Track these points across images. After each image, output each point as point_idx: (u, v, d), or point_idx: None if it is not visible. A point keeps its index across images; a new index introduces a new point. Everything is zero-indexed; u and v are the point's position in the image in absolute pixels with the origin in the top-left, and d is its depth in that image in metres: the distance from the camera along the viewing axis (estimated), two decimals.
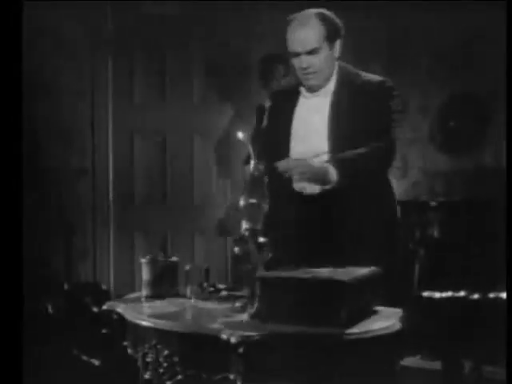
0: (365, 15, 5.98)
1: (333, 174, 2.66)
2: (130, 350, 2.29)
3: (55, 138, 5.44)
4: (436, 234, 5.33)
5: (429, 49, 6.18)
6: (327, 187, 2.70)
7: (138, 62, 5.41)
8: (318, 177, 2.68)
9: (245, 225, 2.36)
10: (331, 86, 2.85)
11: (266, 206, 2.39)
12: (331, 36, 2.80)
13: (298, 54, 2.79)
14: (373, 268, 2.28)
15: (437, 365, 4.15)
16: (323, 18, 2.80)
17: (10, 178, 2.13)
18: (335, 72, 2.86)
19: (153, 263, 2.55)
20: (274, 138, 2.89)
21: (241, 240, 2.34)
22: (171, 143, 5.44)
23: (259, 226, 2.36)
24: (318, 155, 2.77)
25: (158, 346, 2.16)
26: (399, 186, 6.12)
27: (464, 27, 5.96)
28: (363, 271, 2.23)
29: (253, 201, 2.37)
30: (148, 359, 2.19)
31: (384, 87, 2.84)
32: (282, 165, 2.62)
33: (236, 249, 2.33)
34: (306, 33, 2.77)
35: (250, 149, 2.45)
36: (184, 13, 5.44)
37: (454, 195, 6.23)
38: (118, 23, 5.32)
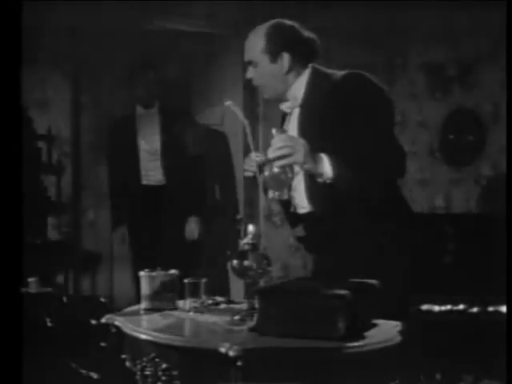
0: (365, 28, 6.01)
1: (327, 166, 2.37)
2: (128, 364, 2.29)
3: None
4: (436, 246, 5.33)
5: (428, 62, 6.20)
6: (320, 180, 2.42)
7: None
8: (310, 162, 2.35)
9: (245, 239, 2.36)
10: (299, 95, 2.63)
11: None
12: (272, 50, 2.59)
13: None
14: (372, 281, 2.28)
15: (437, 377, 4.14)
16: (270, 30, 2.61)
17: (11, 190, 2.13)
18: (304, 80, 2.63)
19: (152, 276, 2.55)
20: None
21: (240, 253, 2.34)
22: None
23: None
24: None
25: (157, 360, 2.15)
26: None
27: (462, 41, 5.99)
28: (363, 284, 2.23)
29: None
30: (147, 372, 2.19)
31: (353, 76, 2.57)
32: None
33: (234, 262, 2.33)
34: (247, 44, 2.65)
35: (250, 138, 2.41)
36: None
37: (453, 208, 6.24)
38: None
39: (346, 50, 5.83)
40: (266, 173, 2.35)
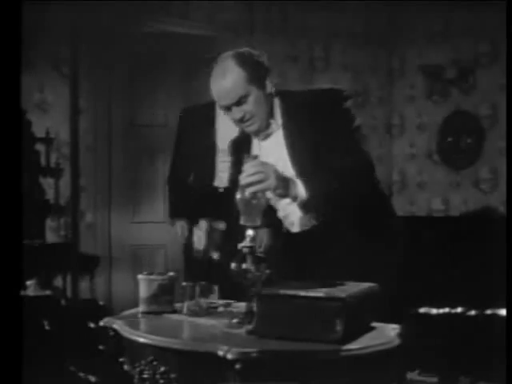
0: (364, 30, 6.02)
1: (301, 188, 2.41)
2: (126, 367, 2.29)
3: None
4: (434, 249, 5.33)
5: (426, 65, 6.21)
6: (294, 202, 2.47)
7: None
8: (282, 187, 2.39)
9: (244, 243, 2.36)
10: (278, 120, 2.61)
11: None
12: (257, 76, 2.53)
13: (227, 108, 2.56)
14: (370, 284, 2.28)
15: (434, 380, 4.15)
16: (242, 61, 2.52)
17: (9, 193, 2.13)
18: (277, 103, 2.61)
19: (150, 280, 2.55)
20: None
21: (238, 256, 2.34)
22: None
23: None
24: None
25: (155, 363, 2.15)
26: (396, 202, 6.14)
27: (461, 43, 5.99)
28: (361, 287, 2.23)
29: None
30: (145, 376, 2.19)
31: (332, 92, 2.59)
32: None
33: (233, 265, 2.33)
34: (227, 84, 2.50)
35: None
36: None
37: (451, 211, 6.25)
38: None
39: (345, 52, 5.83)
40: (238, 196, 2.35)
